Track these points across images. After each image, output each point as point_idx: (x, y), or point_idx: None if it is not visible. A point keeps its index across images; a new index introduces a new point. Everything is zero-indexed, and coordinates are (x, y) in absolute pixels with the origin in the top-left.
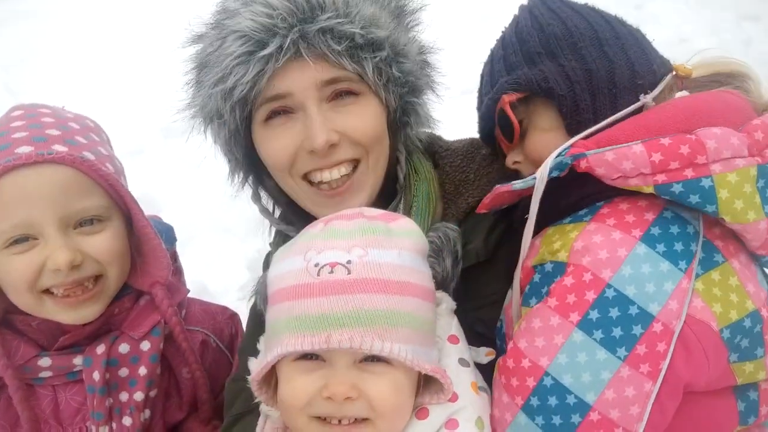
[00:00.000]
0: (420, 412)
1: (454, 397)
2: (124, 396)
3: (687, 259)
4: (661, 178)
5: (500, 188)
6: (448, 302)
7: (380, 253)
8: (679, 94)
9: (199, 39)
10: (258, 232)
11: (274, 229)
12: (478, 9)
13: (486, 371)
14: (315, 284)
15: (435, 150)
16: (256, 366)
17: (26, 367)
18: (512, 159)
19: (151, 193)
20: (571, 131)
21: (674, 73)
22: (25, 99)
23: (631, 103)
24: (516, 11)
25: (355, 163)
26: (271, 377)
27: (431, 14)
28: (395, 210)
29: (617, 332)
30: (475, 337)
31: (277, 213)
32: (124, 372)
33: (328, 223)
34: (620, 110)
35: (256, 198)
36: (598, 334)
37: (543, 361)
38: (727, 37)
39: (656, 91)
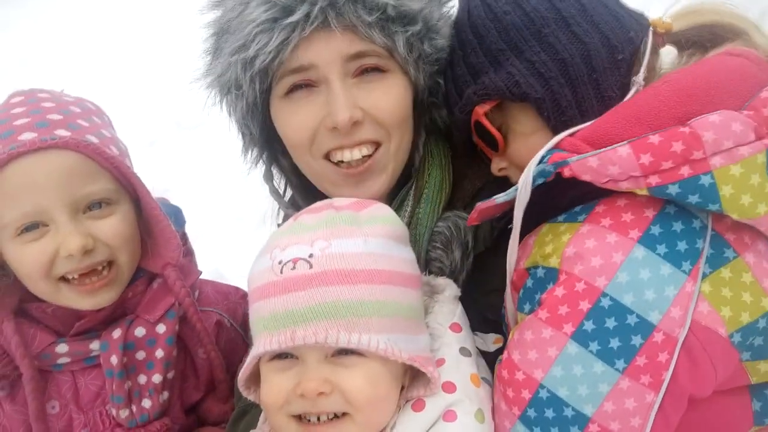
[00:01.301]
0: (416, 404)
1: (452, 388)
2: (142, 378)
3: (692, 258)
4: (654, 180)
5: (482, 205)
6: (451, 289)
7: (343, 243)
8: (666, 51)
9: (219, 4)
10: (269, 222)
11: (282, 213)
12: None
13: (495, 358)
14: (279, 282)
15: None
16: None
17: (44, 354)
18: (497, 166)
19: (164, 183)
20: (558, 131)
21: (652, 30)
22: None
23: (615, 82)
24: None
25: (377, 145)
26: (258, 376)
27: None
28: (406, 196)
29: (615, 343)
30: (487, 324)
31: (287, 195)
32: (141, 355)
33: (296, 219)
34: (606, 94)
35: (268, 177)
36: (594, 346)
37: (537, 374)
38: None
39: (644, 67)
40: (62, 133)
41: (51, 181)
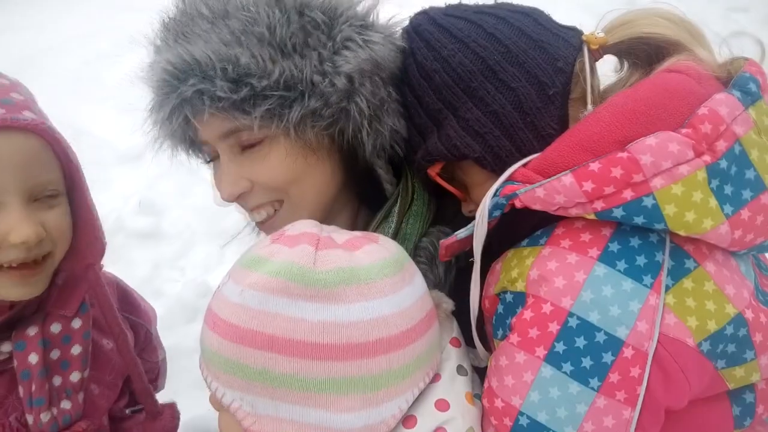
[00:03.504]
0: (407, 420)
1: (446, 406)
2: (57, 380)
3: (653, 272)
4: (599, 204)
5: (446, 242)
6: (447, 303)
7: (230, 286)
8: (605, 66)
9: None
10: (256, 234)
11: None
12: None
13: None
14: None
15: None
16: None
17: None
18: (467, 208)
19: (150, 197)
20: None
21: (587, 46)
22: None
23: (552, 118)
24: None
25: (278, 203)
26: None
27: None
28: (389, 212)
29: (587, 362)
30: (472, 340)
31: None
32: (55, 354)
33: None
34: (545, 132)
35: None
36: (568, 367)
37: (515, 401)
38: (717, 29)
39: (589, 97)
40: (29, 115)
41: (15, 162)
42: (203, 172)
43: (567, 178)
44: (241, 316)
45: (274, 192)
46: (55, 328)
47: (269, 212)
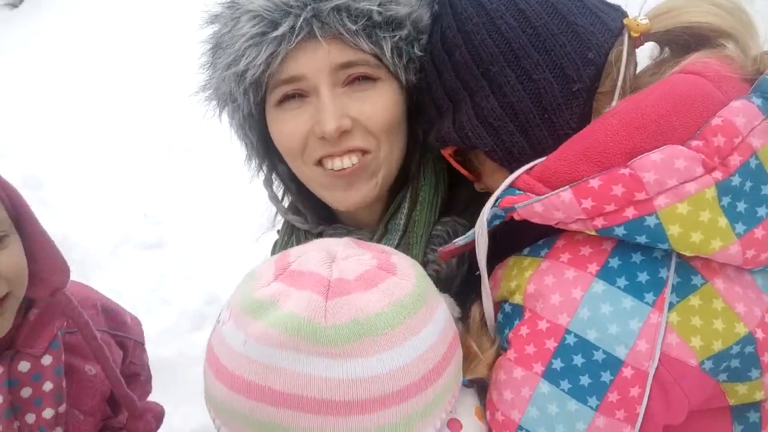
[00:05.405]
0: None
1: (458, 427)
2: (30, 417)
3: (655, 289)
4: (600, 222)
5: (444, 249)
6: (454, 311)
7: (231, 330)
8: (644, 57)
9: (215, 19)
10: (260, 241)
11: (281, 218)
12: None
13: None
14: None
15: None
16: None
17: None
18: (479, 187)
19: (155, 207)
20: (515, 170)
21: (627, 33)
22: (33, 119)
23: (571, 116)
24: None
25: (366, 153)
26: None
27: None
28: (402, 200)
29: (585, 380)
30: None
31: (285, 202)
32: (26, 392)
33: (287, 264)
34: (562, 132)
35: (268, 183)
36: (565, 384)
37: (515, 415)
38: None
39: (617, 93)
40: None
41: None
42: (205, 182)
43: (566, 194)
44: (247, 368)
45: (370, 137)
46: (24, 366)
47: (353, 161)
